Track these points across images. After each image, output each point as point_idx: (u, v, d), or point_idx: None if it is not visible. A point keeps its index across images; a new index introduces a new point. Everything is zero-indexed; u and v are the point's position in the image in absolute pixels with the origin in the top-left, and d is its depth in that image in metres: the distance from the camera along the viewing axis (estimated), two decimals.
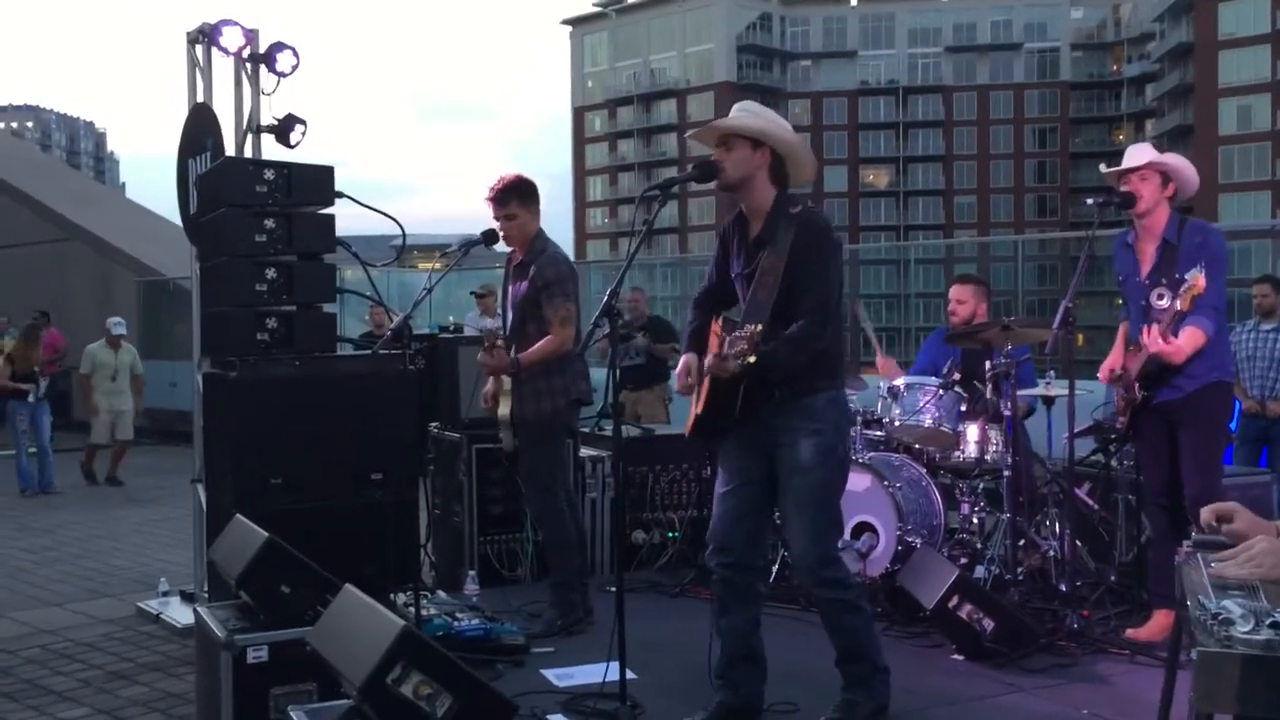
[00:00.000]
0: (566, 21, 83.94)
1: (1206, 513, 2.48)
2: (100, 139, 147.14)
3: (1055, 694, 4.30)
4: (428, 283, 5.30)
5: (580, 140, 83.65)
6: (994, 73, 76.09)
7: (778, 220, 3.83)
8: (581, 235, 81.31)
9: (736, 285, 3.97)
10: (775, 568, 5.64)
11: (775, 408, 3.78)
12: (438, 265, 5.53)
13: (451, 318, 14.44)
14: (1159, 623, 4.79)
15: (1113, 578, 5.64)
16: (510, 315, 5.25)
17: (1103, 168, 5.14)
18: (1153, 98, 70.83)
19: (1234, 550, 2.21)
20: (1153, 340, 4.58)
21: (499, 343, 5.06)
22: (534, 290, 5.04)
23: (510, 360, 5.03)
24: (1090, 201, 5.07)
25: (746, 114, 3.93)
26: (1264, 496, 5.99)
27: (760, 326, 3.51)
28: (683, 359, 4.01)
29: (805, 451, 3.77)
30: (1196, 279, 4.39)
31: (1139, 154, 4.90)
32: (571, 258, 5.41)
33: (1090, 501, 6.04)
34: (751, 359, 3.47)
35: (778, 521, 4.25)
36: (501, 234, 5.23)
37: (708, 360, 3.79)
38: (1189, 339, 4.63)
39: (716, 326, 3.91)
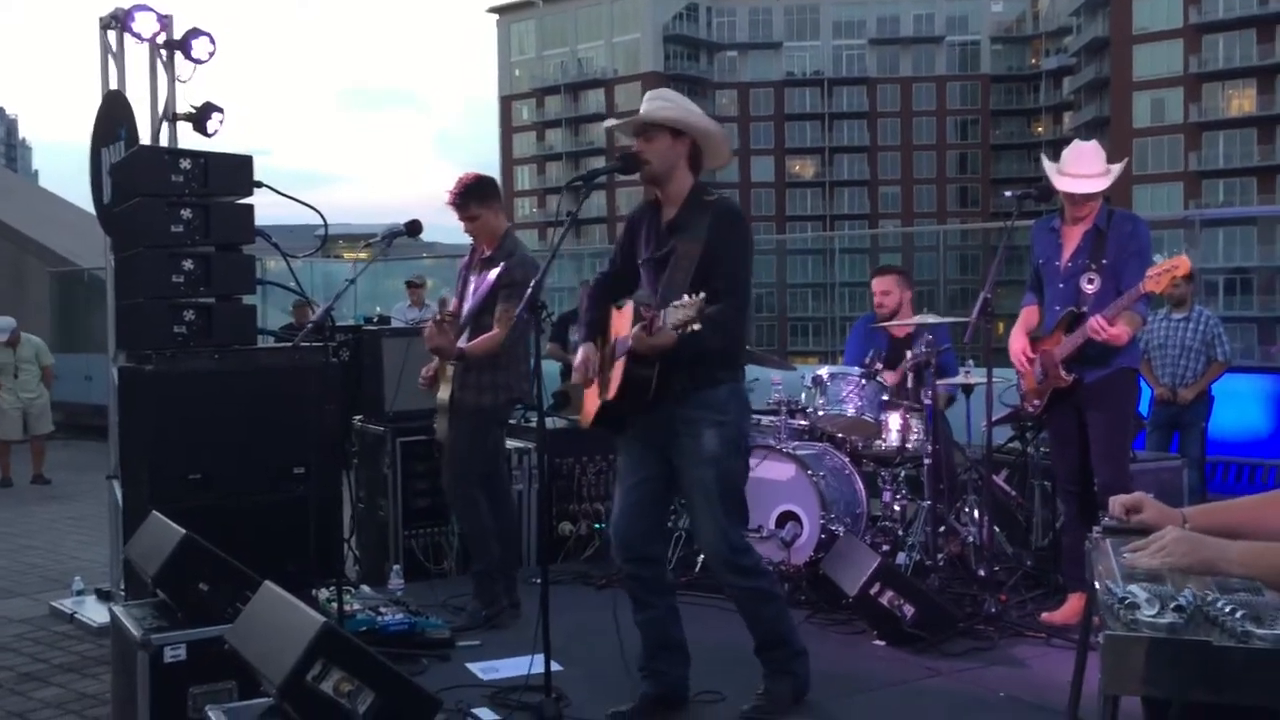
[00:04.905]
0: (493, 9, 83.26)
1: (1116, 506, 2.51)
2: (11, 125, 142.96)
3: (973, 677, 4.40)
4: (350, 274, 5.25)
5: (508, 129, 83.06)
6: (917, 65, 77.00)
7: (693, 207, 3.83)
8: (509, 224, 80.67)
9: (643, 270, 3.96)
10: (700, 559, 5.68)
11: (676, 399, 3.76)
12: (362, 255, 5.48)
13: (378, 308, 14.30)
14: (1073, 606, 4.92)
15: (1029, 562, 5.77)
16: (469, 303, 5.18)
17: (1068, 185, 4.83)
18: (1070, 90, 72.21)
19: (1145, 540, 2.21)
20: (1099, 328, 4.62)
21: (449, 318, 5.01)
22: (499, 285, 5.01)
23: (456, 349, 5.01)
24: (1009, 194, 5.14)
25: (666, 104, 3.89)
26: (1174, 481, 6.16)
27: (704, 295, 3.43)
28: (581, 350, 3.93)
29: (711, 442, 3.77)
30: (1180, 260, 4.46)
31: (1094, 163, 4.84)
32: None
33: (1007, 488, 6.17)
34: (697, 326, 3.40)
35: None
36: (469, 235, 5.23)
37: (631, 335, 3.64)
38: (1132, 324, 4.72)
39: (626, 309, 3.82)
